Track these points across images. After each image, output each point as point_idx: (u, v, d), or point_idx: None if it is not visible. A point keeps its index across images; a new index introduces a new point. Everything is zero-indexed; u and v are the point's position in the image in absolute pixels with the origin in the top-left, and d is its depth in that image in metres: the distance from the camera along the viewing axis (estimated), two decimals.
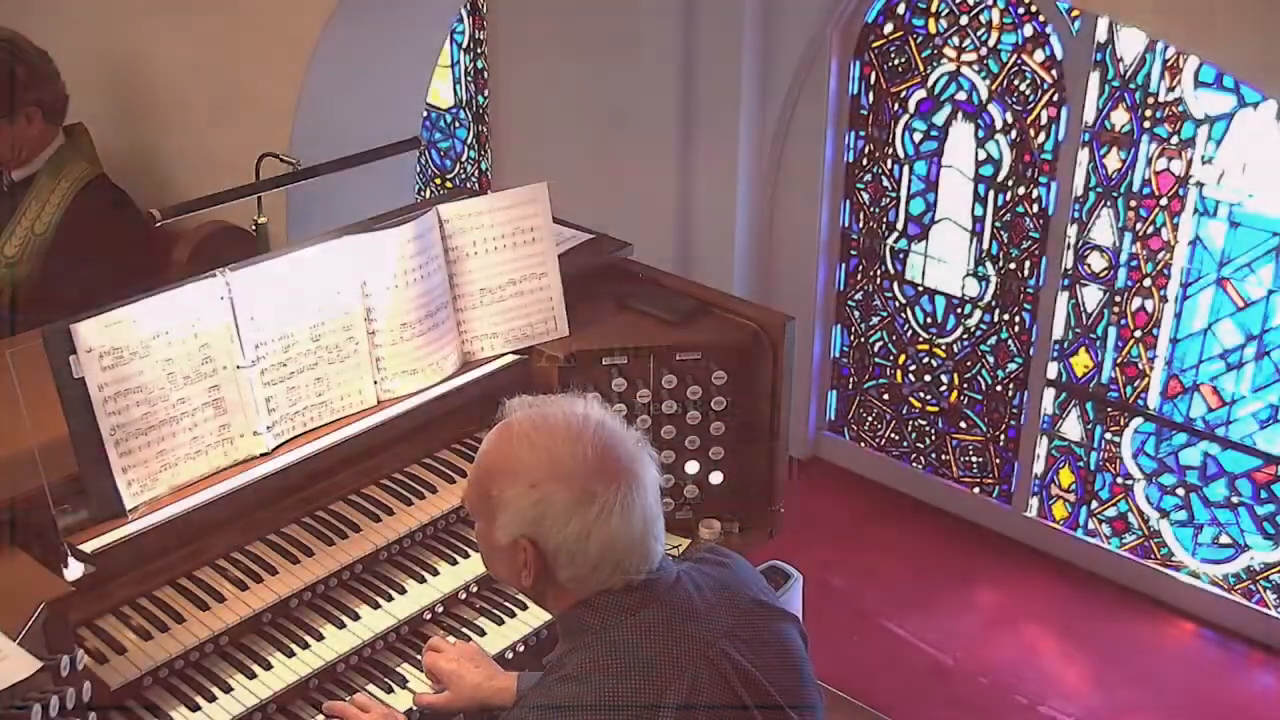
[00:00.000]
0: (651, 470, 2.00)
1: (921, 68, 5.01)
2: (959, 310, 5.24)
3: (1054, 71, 4.70)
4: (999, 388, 5.21)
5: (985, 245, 5.07)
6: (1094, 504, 5.09)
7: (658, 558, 2.00)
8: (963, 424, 5.38)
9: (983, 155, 4.96)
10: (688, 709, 1.90)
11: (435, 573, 2.71)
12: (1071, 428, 5.06)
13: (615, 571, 1.95)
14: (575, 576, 1.96)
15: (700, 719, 1.92)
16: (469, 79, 6.22)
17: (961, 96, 4.95)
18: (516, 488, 1.95)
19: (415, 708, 2.46)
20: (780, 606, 2.14)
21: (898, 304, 5.41)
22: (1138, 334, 4.77)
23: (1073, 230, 4.80)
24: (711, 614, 2.01)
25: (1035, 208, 4.88)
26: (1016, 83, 4.80)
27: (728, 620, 2.01)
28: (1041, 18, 4.68)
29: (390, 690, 2.52)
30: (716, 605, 2.03)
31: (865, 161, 5.30)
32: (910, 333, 5.41)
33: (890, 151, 5.20)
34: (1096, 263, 4.79)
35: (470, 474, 2.07)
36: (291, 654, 2.49)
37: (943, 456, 5.48)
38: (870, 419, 5.68)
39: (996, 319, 5.14)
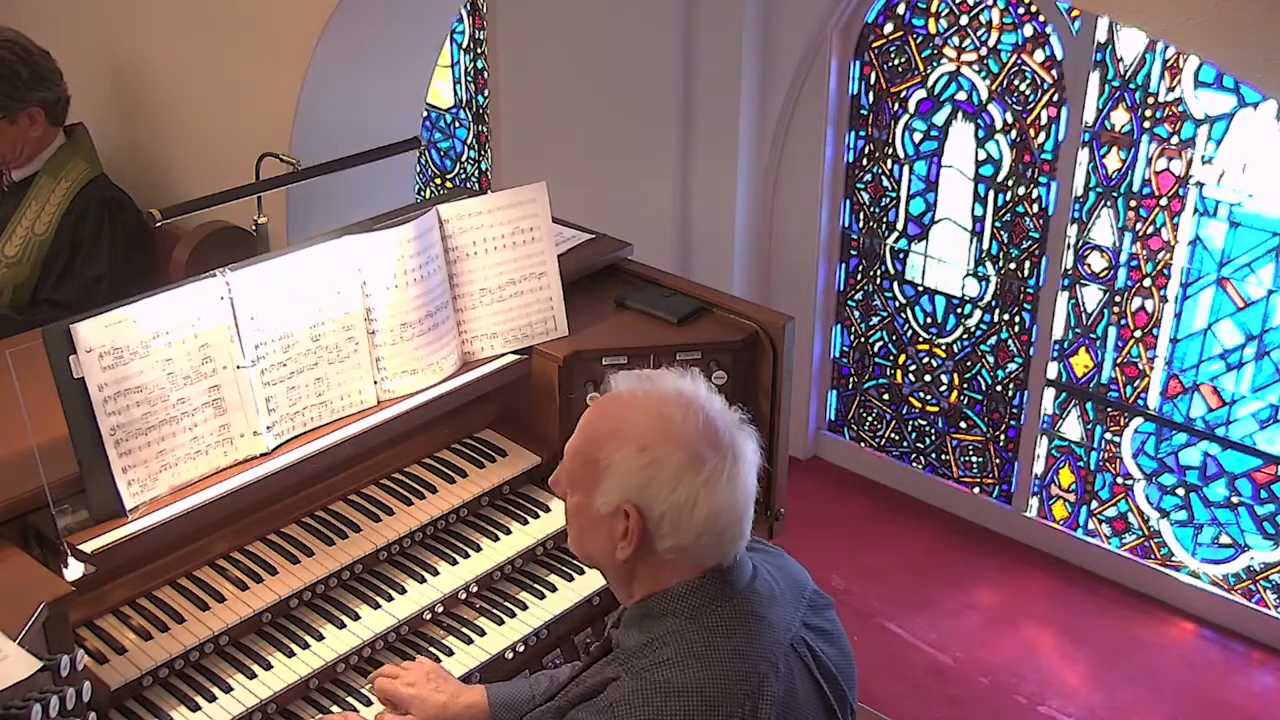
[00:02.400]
0: (753, 446, 2.00)
1: (921, 68, 5.01)
2: (959, 310, 5.24)
3: (1054, 71, 4.70)
4: (999, 388, 5.21)
5: (985, 245, 5.07)
6: (1094, 504, 5.09)
7: (745, 542, 2.00)
8: (963, 424, 5.38)
9: (983, 155, 4.97)
10: (786, 696, 1.93)
11: (435, 573, 2.72)
12: (1071, 428, 5.06)
13: (715, 544, 1.95)
14: (676, 547, 1.94)
15: (796, 705, 1.95)
16: (469, 79, 6.23)
17: (961, 96, 4.95)
18: (626, 450, 1.94)
19: None
20: (828, 595, 2.17)
21: (898, 304, 5.41)
22: (1138, 334, 4.77)
23: (1073, 230, 4.80)
24: (787, 602, 2.03)
25: (1035, 208, 4.88)
26: (1016, 83, 4.80)
27: (801, 610, 2.05)
28: (1041, 18, 4.68)
29: None
30: (790, 592, 2.06)
31: (865, 161, 5.30)
32: (910, 333, 5.41)
33: (890, 151, 5.20)
34: (1096, 263, 4.79)
35: (570, 445, 2.04)
36: (291, 654, 2.49)
37: (943, 456, 5.48)
38: (870, 419, 5.68)
39: (996, 319, 5.14)
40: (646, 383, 2.02)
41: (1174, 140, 4.48)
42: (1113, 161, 4.64)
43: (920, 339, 5.39)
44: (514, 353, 2.96)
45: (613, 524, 1.96)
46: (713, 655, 1.91)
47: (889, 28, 5.06)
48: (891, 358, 5.51)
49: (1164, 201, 4.57)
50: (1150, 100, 4.50)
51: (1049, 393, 5.06)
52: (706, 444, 1.93)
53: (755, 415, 3.04)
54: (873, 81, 5.16)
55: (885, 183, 5.26)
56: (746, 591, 1.98)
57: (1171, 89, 4.44)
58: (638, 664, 1.94)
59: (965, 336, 5.25)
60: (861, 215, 5.38)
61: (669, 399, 1.97)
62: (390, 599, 2.64)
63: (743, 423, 2.02)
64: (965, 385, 5.32)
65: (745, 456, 1.97)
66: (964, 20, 4.85)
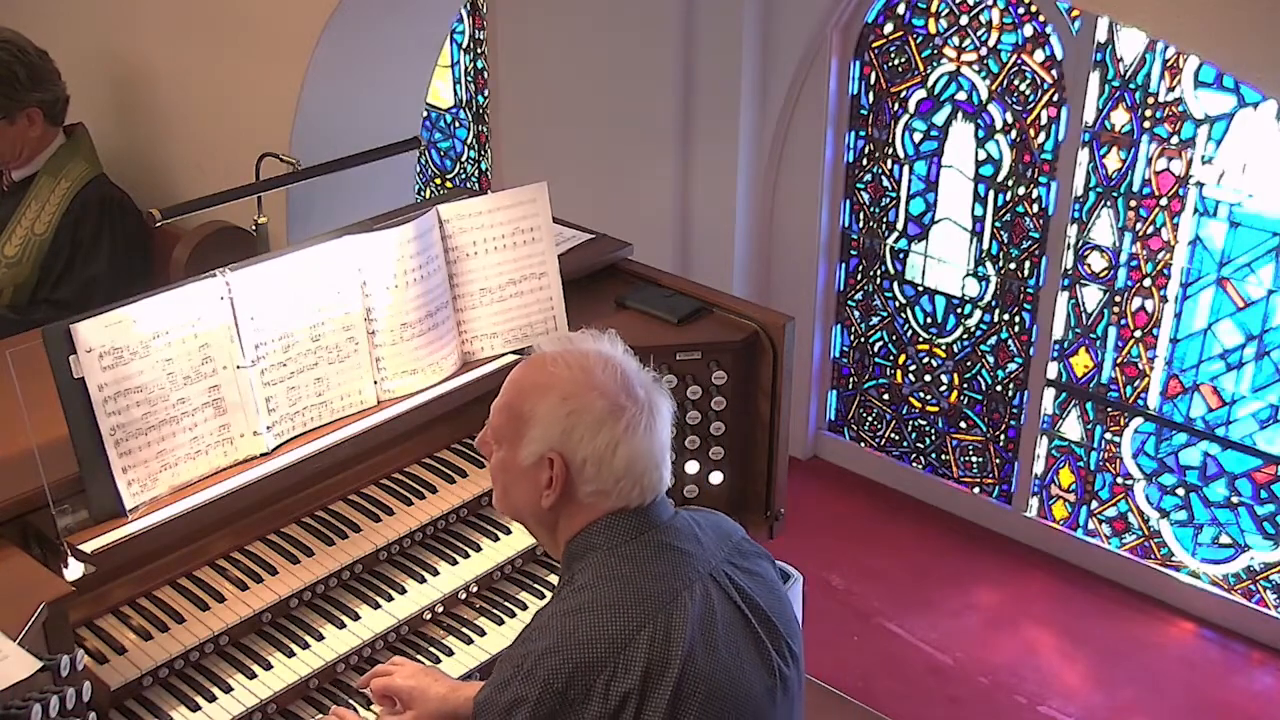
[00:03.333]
0: (668, 404, 2.12)
1: (921, 68, 5.01)
2: (959, 310, 5.24)
3: (1054, 71, 4.70)
4: (999, 388, 5.21)
5: (985, 245, 5.07)
6: (1094, 504, 5.09)
7: (665, 488, 2.10)
8: (963, 424, 5.38)
9: (983, 155, 4.97)
10: (704, 615, 1.99)
11: (435, 573, 2.72)
12: (1071, 428, 5.06)
13: (634, 488, 2.04)
14: (597, 491, 2.04)
15: (714, 626, 2.01)
16: (469, 79, 6.23)
17: (961, 96, 4.95)
18: (549, 401, 2.04)
19: None
20: (763, 548, 2.25)
21: (898, 304, 5.41)
22: (1138, 334, 4.77)
23: (1073, 230, 4.80)
24: (710, 542, 2.12)
25: (1035, 208, 4.88)
26: (1016, 83, 4.80)
27: (725, 549, 2.13)
28: (1041, 18, 4.68)
29: None
30: (714, 536, 2.15)
31: (865, 161, 5.30)
32: (910, 333, 5.41)
33: (890, 151, 5.20)
34: (1096, 263, 4.79)
35: (496, 403, 2.13)
36: (291, 654, 2.49)
37: (943, 456, 5.48)
38: (870, 419, 5.68)
39: (996, 319, 5.14)
40: (567, 343, 2.13)
41: (1174, 140, 4.48)
42: (1113, 161, 4.64)
43: (920, 339, 5.39)
44: (514, 353, 2.96)
45: (537, 473, 2.06)
46: (626, 580, 2.00)
47: (889, 28, 5.06)
48: (891, 358, 5.51)
49: (1164, 201, 4.57)
50: (1150, 100, 4.50)
51: (1049, 393, 5.06)
52: (625, 395, 2.04)
53: (755, 415, 3.07)
54: (873, 81, 5.16)
55: (885, 183, 5.26)
56: (664, 527, 2.08)
57: (1171, 89, 4.44)
58: (560, 593, 2.06)
59: (965, 336, 5.25)
60: (861, 215, 5.38)
61: (589, 355, 2.09)
62: (390, 599, 2.64)
63: (656, 381, 2.13)
64: (965, 385, 5.32)
65: (661, 411, 2.09)
66: (964, 20, 4.85)
